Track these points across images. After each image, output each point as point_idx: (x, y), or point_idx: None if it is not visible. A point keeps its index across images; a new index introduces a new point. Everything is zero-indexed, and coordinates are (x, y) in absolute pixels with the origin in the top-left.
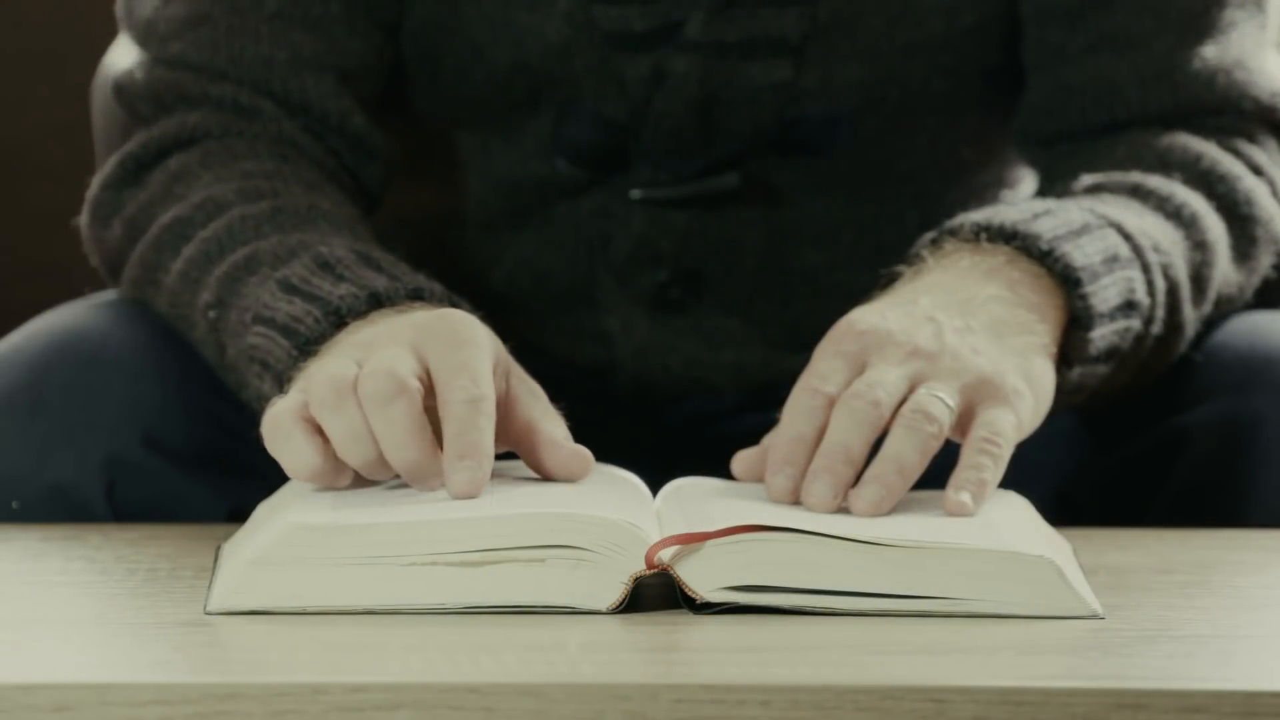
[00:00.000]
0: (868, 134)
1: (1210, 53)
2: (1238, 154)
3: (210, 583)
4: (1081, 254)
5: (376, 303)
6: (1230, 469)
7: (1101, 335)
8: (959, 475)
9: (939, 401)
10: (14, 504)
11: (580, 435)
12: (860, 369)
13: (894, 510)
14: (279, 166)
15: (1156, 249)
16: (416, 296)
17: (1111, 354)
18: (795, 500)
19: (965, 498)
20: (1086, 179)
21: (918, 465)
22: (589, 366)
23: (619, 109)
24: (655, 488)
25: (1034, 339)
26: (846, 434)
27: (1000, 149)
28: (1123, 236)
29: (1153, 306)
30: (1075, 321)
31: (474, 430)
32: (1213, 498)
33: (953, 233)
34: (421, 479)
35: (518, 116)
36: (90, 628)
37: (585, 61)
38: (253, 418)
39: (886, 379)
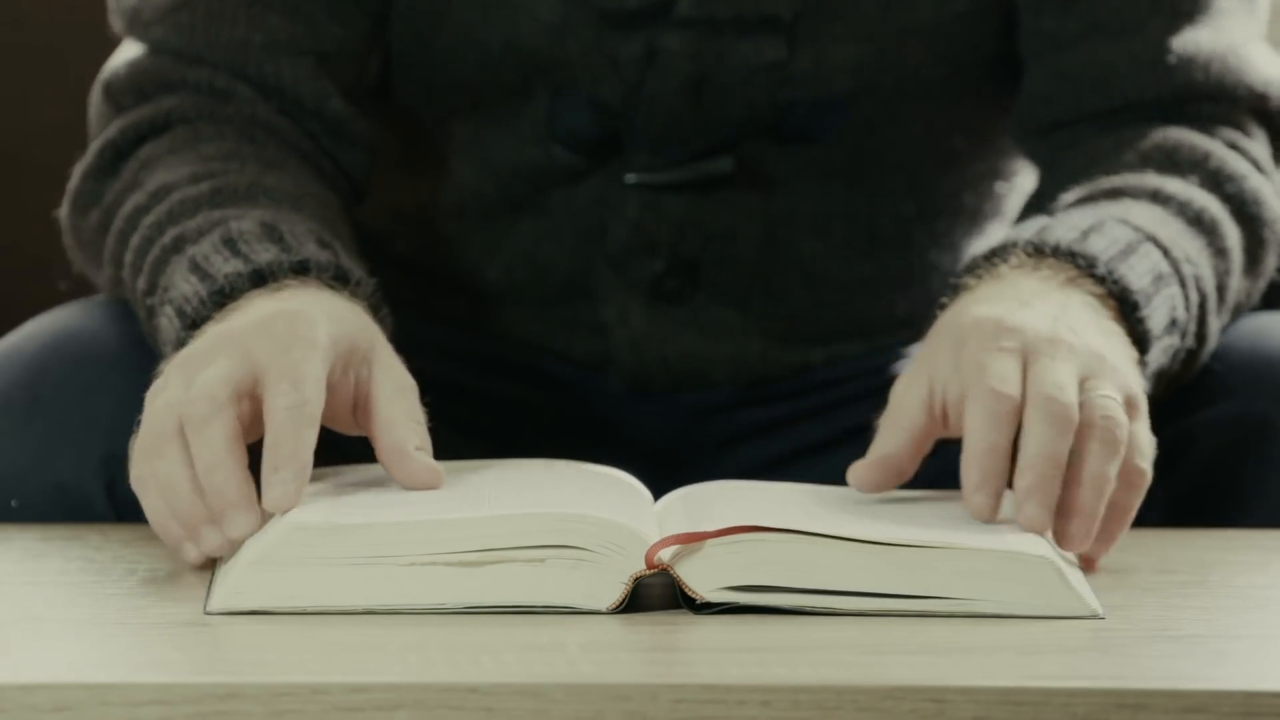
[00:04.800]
0: (861, 120)
1: (1204, 38)
2: (1239, 150)
3: (210, 583)
4: (1135, 275)
5: (260, 279)
6: (1235, 472)
7: (1154, 357)
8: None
9: (1115, 403)
10: (13, 502)
11: (578, 431)
12: (1024, 366)
13: (893, 510)
14: (240, 148)
15: (1189, 260)
16: (303, 270)
17: (1160, 375)
18: (995, 517)
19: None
20: (1105, 182)
21: (1113, 480)
22: (586, 360)
23: (613, 91)
24: (653, 485)
25: (1131, 351)
26: (1053, 444)
27: (994, 139)
28: (1161, 252)
29: (1188, 320)
30: (1134, 343)
31: (289, 439)
32: (1217, 501)
33: (1006, 250)
34: (224, 507)
35: (512, 103)
36: (90, 628)
37: (578, 40)
38: None
39: (1068, 381)
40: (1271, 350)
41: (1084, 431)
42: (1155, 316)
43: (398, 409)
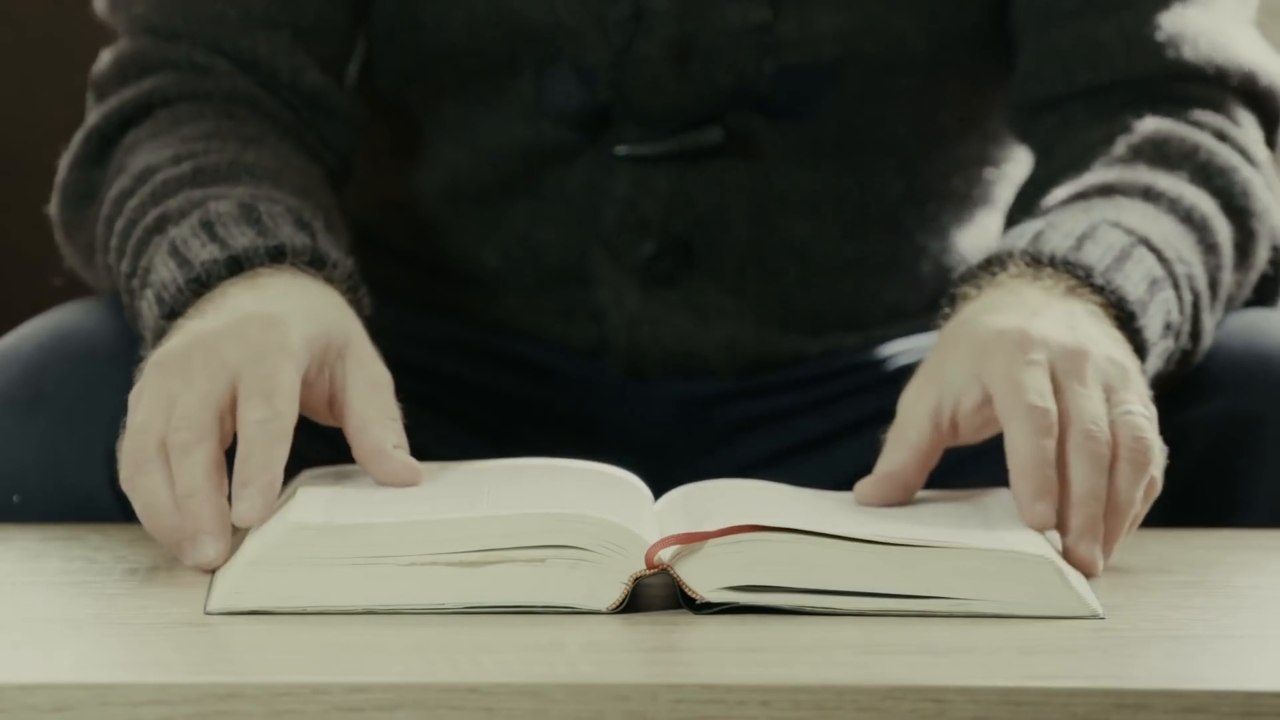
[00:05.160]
0: (849, 96)
1: (1194, 15)
2: (1227, 140)
3: (210, 583)
4: (1131, 284)
5: (236, 266)
6: (1226, 470)
7: (1151, 364)
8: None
9: (1143, 420)
10: (15, 498)
11: (574, 426)
12: (1052, 377)
13: (893, 510)
14: (219, 126)
15: (1181, 260)
16: (279, 255)
17: (1155, 380)
18: (1052, 526)
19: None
20: (1094, 177)
21: (1139, 502)
22: (582, 346)
23: (599, 57)
24: (650, 480)
25: (1135, 359)
26: (1096, 482)
27: (983, 123)
28: (1155, 256)
29: (1182, 322)
30: (1134, 351)
31: (258, 454)
32: (1209, 497)
33: (1004, 259)
34: (198, 531)
35: (499, 79)
36: (90, 628)
37: (565, 3)
38: None
39: (1101, 409)
40: (1263, 347)
41: (1114, 451)
42: (1152, 325)
43: (373, 408)
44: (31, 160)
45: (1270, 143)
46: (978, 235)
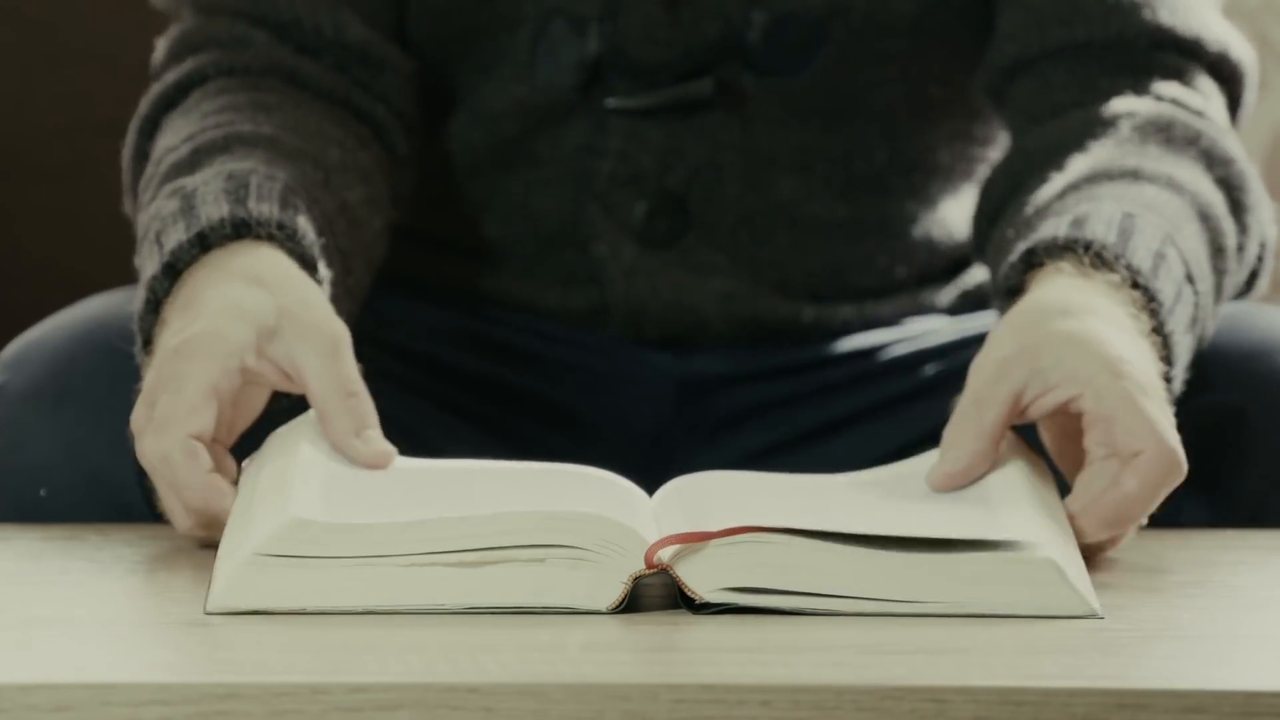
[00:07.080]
0: (837, 56)
1: None
2: (1210, 121)
3: (210, 582)
4: (1179, 333)
5: (173, 272)
6: (1210, 465)
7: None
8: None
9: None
10: (41, 492)
11: (572, 416)
12: None
13: (891, 493)
14: (235, 99)
15: (1203, 296)
16: (204, 242)
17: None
18: None
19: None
20: (1112, 156)
21: None
22: (581, 311)
23: (592, 6)
24: (649, 475)
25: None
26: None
27: (969, 99)
28: (1193, 293)
29: (1190, 360)
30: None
31: (176, 484)
32: (1194, 493)
33: (1098, 250)
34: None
35: (498, 38)
36: (90, 628)
37: None
38: (288, 403)
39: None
40: (1246, 342)
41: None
42: (1178, 380)
43: (330, 388)
44: (32, 160)
45: (1231, 123)
46: (968, 208)
